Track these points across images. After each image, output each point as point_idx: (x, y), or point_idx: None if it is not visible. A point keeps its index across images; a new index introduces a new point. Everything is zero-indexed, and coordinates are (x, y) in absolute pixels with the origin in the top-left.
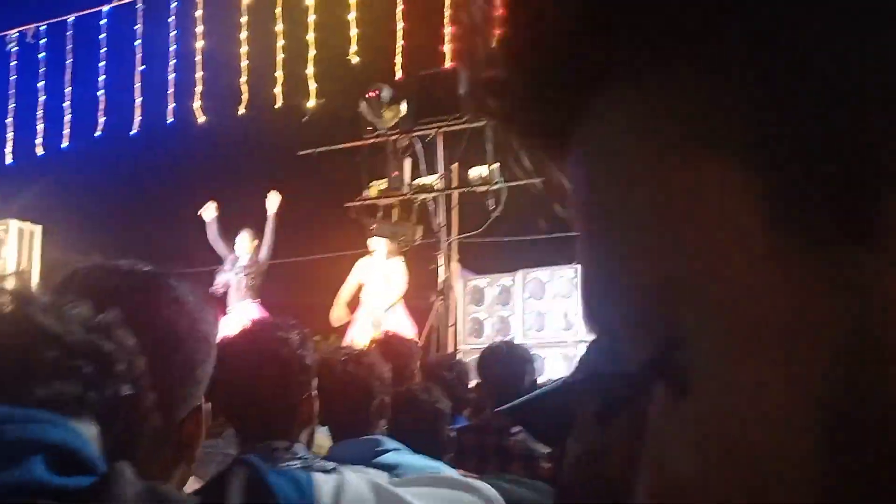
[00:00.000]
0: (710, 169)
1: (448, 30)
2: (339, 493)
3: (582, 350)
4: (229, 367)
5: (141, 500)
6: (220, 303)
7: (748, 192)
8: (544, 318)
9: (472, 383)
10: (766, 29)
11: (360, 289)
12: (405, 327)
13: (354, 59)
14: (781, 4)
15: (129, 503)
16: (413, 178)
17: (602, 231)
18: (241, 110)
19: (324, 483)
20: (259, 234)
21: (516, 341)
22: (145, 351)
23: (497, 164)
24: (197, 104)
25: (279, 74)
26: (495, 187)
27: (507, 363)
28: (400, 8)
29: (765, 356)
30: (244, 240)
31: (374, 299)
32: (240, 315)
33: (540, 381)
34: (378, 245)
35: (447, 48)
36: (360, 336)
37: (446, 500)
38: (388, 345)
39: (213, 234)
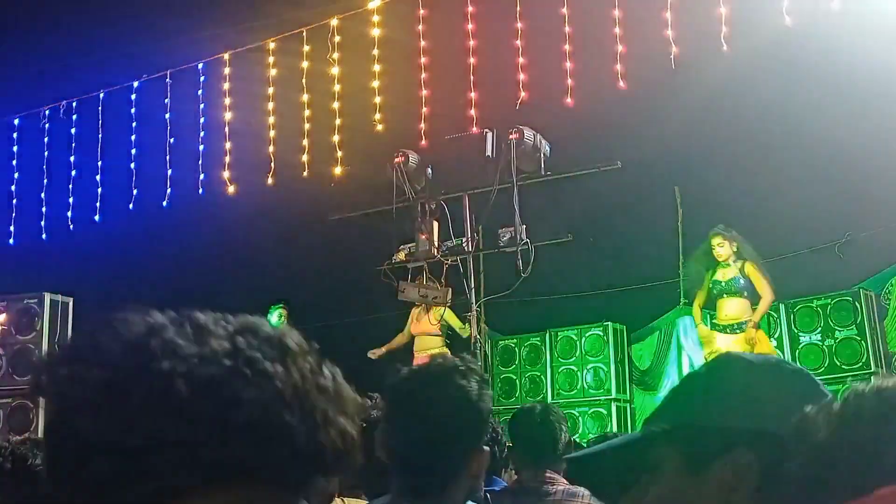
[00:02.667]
0: None
1: (472, 95)
2: None
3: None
4: (399, 408)
5: None
6: None
7: None
8: (575, 376)
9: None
10: None
11: (412, 339)
12: None
13: (379, 126)
14: None
15: None
16: (441, 241)
17: None
18: (270, 180)
19: None
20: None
21: (547, 400)
22: None
23: (524, 226)
24: (226, 174)
25: (306, 143)
26: (522, 248)
27: (542, 424)
28: (423, 76)
29: None
30: (278, 316)
31: (423, 350)
32: None
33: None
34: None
35: (472, 113)
36: None
37: None
38: None
39: None
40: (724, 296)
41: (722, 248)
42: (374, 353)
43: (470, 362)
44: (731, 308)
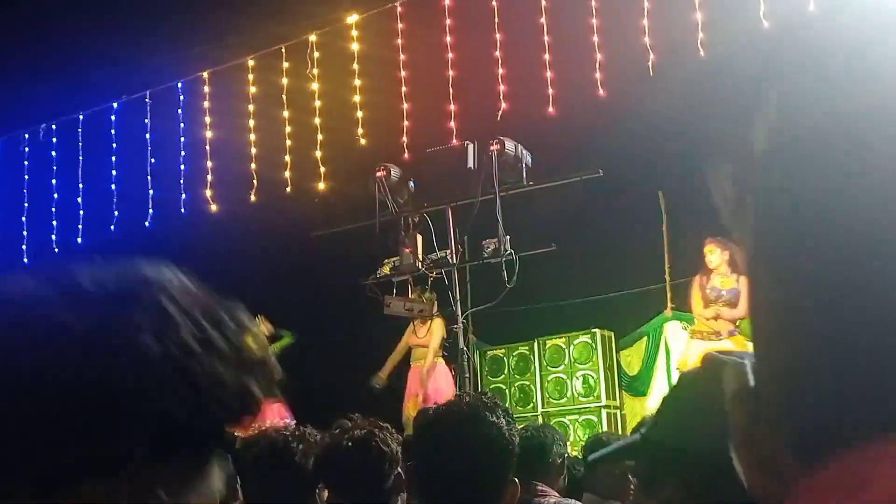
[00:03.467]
0: None
1: (452, 107)
2: None
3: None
4: (433, 449)
5: None
6: None
7: None
8: (564, 384)
9: None
10: None
11: (409, 352)
12: (448, 388)
13: (362, 141)
14: None
15: None
16: (425, 254)
17: None
18: (253, 197)
19: None
20: (272, 322)
21: (537, 409)
22: None
23: (508, 236)
24: (208, 193)
25: (288, 159)
26: (507, 259)
27: (532, 438)
28: (403, 89)
29: None
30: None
31: (419, 362)
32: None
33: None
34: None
35: (452, 125)
36: (412, 406)
37: None
38: None
39: None
40: (720, 304)
41: (713, 255)
42: (378, 382)
43: (491, 398)
44: (730, 315)
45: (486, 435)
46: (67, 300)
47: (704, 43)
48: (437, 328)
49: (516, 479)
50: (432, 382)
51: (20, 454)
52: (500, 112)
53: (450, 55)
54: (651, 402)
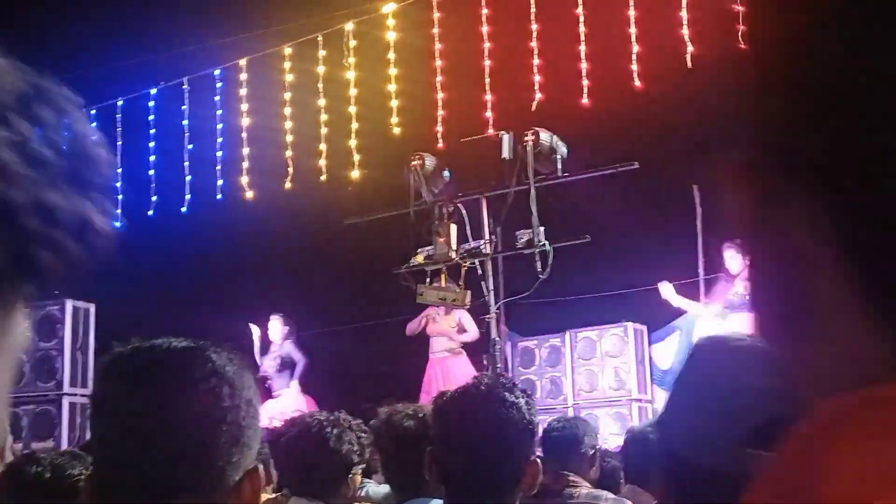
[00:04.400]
0: None
1: (488, 97)
2: None
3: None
4: (453, 430)
5: None
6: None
7: None
8: (595, 377)
9: None
10: None
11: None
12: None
13: (396, 130)
14: None
15: None
16: (459, 243)
17: None
18: (288, 184)
19: None
20: (289, 320)
21: (568, 402)
22: (193, 422)
23: (542, 227)
24: (244, 180)
25: (323, 147)
26: (541, 250)
27: (566, 429)
28: (439, 79)
29: None
30: (275, 327)
31: (440, 351)
32: (286, 402)
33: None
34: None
35: (488, 115)
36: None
37: None
38: None
39: (256, 349)
40: (743, 311)
41: (734, 261)
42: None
43: (509, 379)
44: (746, 325)
45: (505, 414)
46: None
47: (745, 35)
48: (468, 320)
49: (537, 460)
50: (449, 377)
51: None
52: (536, 102)
53: (486, 45)
54: None
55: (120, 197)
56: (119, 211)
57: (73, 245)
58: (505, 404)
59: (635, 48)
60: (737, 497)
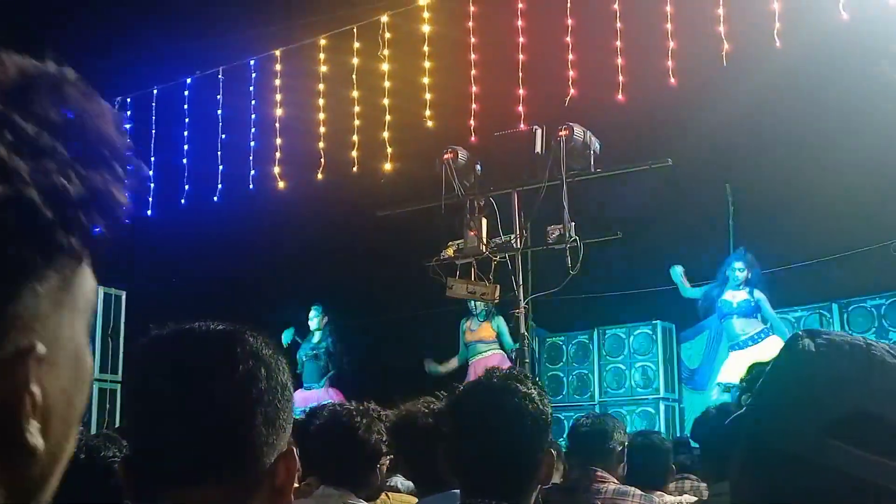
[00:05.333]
0: None
1: (521, 91)
2: None
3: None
4: (467, 422)
5: None
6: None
7: None
8: (623, 375)
9: None
10: None
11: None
12: None
13: (429, 123)
14: None
15: None
16: (490, 237)
17: None
18: (319, 175)
19: None
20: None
21: (594, 398)
22: (229, 403)
23: (573, 223)
24: (276, 170)
25: (355, 139)
26: (571, 245)
27: (594, 425)
28: (473, 72)
29: None
30: (315, 317)
31: (479, 355)
32: (315, 394)
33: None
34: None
35: (521, 109)
36: None
37: None
38: None
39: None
40: (735, 316)
41: (741, 272)
42: (432, 368)
43: (522, 371)
44: (744, 325)
45: (518, 405)
46: None
47: (781, 33)
48: (499, 323)
49: (552, 451)
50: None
51: None
52: (569, 98)
53: (520, 39)
54: (711, 398)
55: (152, 185)
56: (151, 198)
57: (96, 219)
58: (518, 395)
59: (671, 44)
60: (818, 485)
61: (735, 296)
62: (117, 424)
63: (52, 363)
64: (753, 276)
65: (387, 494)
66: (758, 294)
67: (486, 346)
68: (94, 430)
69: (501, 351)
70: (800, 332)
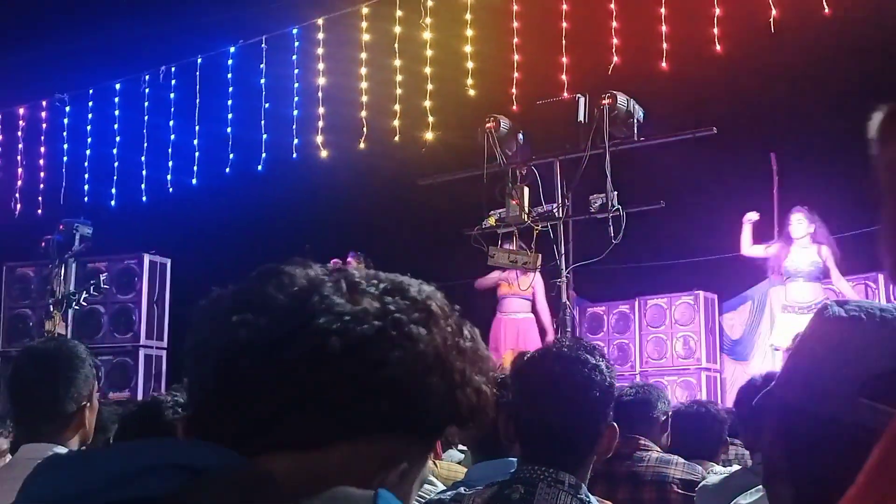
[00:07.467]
0: None
1: (564, 60)
2: None
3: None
4: (535, 389)
5: None
6: None
7: None
8: (664, 345)
9: None
10: None
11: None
12: (536, 343)
13: (471, 92)
14: None
15: None
16: (532, 206)
17: None
18: (362, 144)
19: None
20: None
21: (636, 368)
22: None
23: (615, 192)
24: (319, 139)
25: (397, 108)
26: (614, 215)
27: (637, 394)
28: (515, 41)
29: None
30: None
31: (510, 312)
32: None
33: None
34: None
35: (563, 77)
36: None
37: None
38: None
39: None
40: (801, 279)
41: (800, 225)
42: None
43: (590, 342)
44: (807, 292)
45: (587, 376)
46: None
47: (830, 0)
48: (540, 283)
49: (615, 425)
50: (525, 338)
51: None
52: (612, 66)
53: (563, 6)
54: (753, 368)
55: (197, 154)
56: (196, 167)
57: (486, 388)
58: (587, 366)
59: (717, 11)
60: (849, 444)
61: (801, 257)
62: (163, 389)
63: None
64: (819, 234)
65: (434, 462)
66: (825, 253)
67: (523, 304)
68: (140, 395)
69: (533, 315)
70: (829, 301)
